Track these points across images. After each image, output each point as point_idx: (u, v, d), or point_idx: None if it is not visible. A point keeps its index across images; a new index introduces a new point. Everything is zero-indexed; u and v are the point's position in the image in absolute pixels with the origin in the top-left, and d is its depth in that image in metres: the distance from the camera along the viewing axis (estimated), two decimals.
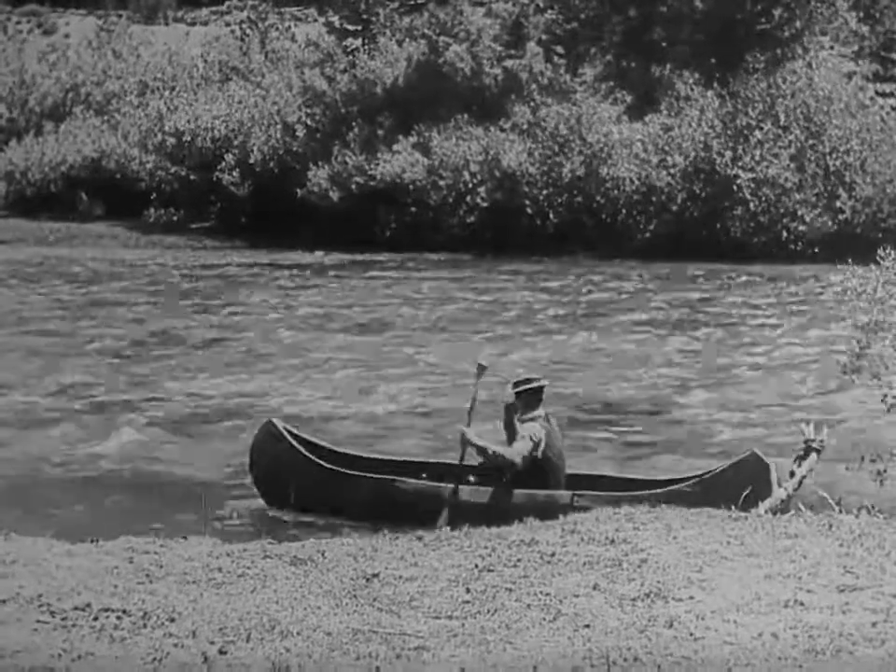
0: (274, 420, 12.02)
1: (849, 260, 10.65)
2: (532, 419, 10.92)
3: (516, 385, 11.04)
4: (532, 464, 10.76)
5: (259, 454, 11.83)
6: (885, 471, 9.77)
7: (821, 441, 10.96)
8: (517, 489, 10.81)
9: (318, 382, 18.23)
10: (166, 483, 12.95)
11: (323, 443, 12.10)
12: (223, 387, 17.77)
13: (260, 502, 11.83)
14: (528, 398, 10.99)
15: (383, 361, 19.94)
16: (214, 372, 18.89)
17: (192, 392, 17.48)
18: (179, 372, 18.97)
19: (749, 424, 15.48)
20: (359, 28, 47.91)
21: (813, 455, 10.89)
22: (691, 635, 6.37)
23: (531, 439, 10.76)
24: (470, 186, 39.16)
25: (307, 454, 11.54)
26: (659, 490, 10.61)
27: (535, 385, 11.01)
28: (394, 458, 12.10)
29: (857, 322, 10.51)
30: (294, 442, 11.61)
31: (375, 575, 7.37)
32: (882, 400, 10.02)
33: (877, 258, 10.37)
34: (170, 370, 19.20)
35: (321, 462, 11.48)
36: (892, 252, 10.28)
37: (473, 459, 11.07)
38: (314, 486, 11.35)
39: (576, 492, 10.73)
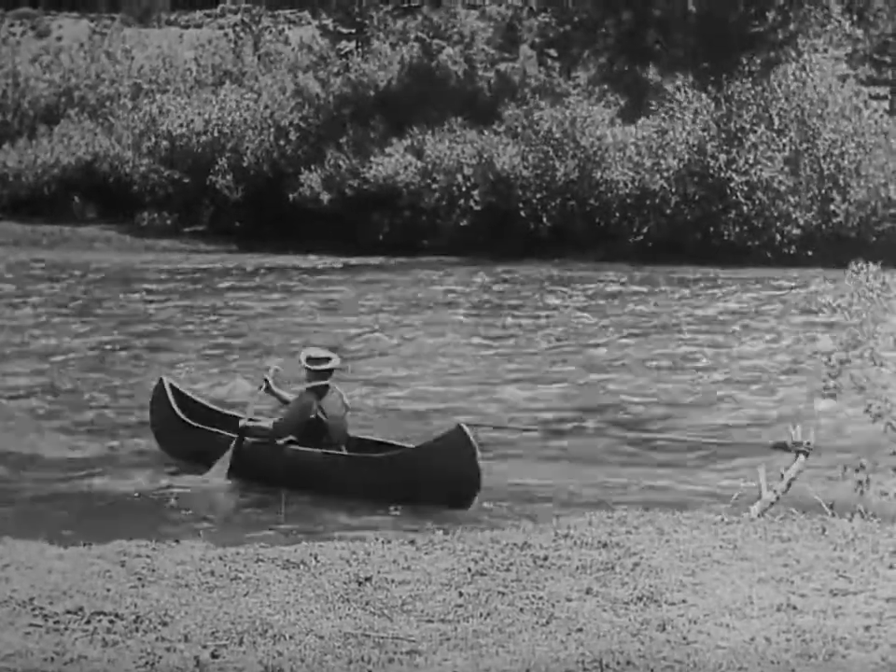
0: (164, 377, 13.91)
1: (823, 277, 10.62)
2: (312, 388, 12.41)
3: (314, 360, 12.52)
4: (306, 426, 12.37)
5: (152, 406, 13.81)
6: (867, 481, 9.72)
7: (808, 443, 10.96)
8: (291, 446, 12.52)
9: None
10: None
11: (202, 401, 13.86)
12: None
13: None
14: (319, 372, 12.49)
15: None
16: None
17: None
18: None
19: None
20: (353, 31, 47.96)
21: (801, 458, 10.89)
22: (683, 638, 6.37)
23: (291, 408, 12.51)
24: (464, 189, 39.14)
25: (173, 405, 13.21)
26: (356, 454, 12.23)
27: (327, 366, 12.52)
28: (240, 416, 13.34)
29: (836, 337, 10.46)
30: (171, 396, 13.30)
31: (368, 578, 7.36)
32: (866, 411, 9.97)
33: (850, 270, 10.29)
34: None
35: (179, 413, 13.12)
36: (864, 265, 10.20)
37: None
38: (176, 434, 13.22)
39: (326, 451, 12.26)
